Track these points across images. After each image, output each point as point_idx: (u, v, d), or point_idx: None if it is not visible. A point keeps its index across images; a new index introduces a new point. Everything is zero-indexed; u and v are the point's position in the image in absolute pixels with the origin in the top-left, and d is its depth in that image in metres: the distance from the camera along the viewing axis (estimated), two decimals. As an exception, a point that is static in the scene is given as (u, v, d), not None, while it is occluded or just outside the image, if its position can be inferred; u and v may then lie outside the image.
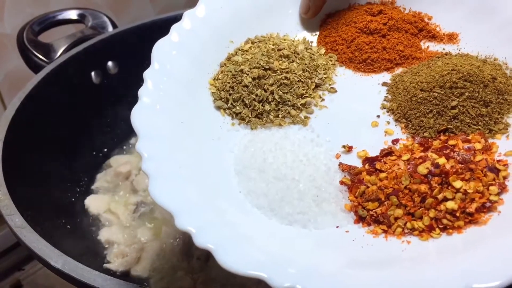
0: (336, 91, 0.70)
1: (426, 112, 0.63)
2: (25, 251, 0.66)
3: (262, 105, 0.66)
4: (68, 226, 0.84)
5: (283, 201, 0.56)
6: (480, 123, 0.62)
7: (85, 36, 1.03)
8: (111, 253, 0.84)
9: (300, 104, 0.67)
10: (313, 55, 0.72)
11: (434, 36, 0.74)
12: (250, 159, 0.61)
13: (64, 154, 0.93)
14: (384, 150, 0.61)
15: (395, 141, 0.63)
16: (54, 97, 0.92)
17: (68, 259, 0.61)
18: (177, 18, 1.07)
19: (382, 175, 0.58)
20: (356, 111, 0.67)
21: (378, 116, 0.66)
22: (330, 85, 0.70)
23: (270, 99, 0.66)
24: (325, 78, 0.70)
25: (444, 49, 0.73)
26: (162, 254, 0.83)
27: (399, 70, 0.72)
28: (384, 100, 0.68)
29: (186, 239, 0.83)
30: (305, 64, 0.69)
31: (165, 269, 0.80)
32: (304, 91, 0.67)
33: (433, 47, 0.74)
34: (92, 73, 1.02)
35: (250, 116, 0.66)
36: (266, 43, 0.71)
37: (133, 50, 1.04)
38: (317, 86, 0.69)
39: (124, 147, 1.06)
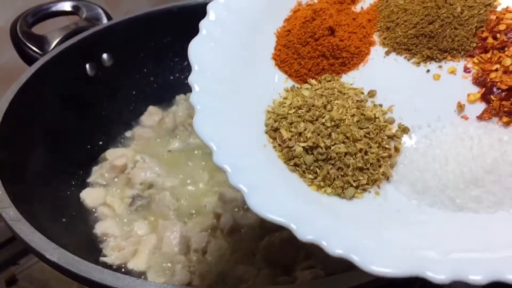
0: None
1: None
2: (20, 245, 0.65)
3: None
4: (64, 220, 0.83)
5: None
6: None
7: (79, 28, 1.02)
8: (107, 246, 0.83)
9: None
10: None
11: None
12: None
13: (59, 147, 0.91)
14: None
15: (467, 69, 0.61)
16: (48, 89, 0.91)
17: (64, 252, 0.61)
18: (172, 10, 1.09)
19: None
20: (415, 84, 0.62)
21: (428, 71, 0.62)
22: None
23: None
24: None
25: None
26: (159, 247, 0.82)
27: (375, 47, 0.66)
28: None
29: (183, 232, 0.82)
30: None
31: (162, 262, 0.80)
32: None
33: (363, 4, 0.69)
34: (87, 65, 1.01)
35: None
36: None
37: (128, 42, 1.04)
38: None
39: (121, 140, 1.05)
